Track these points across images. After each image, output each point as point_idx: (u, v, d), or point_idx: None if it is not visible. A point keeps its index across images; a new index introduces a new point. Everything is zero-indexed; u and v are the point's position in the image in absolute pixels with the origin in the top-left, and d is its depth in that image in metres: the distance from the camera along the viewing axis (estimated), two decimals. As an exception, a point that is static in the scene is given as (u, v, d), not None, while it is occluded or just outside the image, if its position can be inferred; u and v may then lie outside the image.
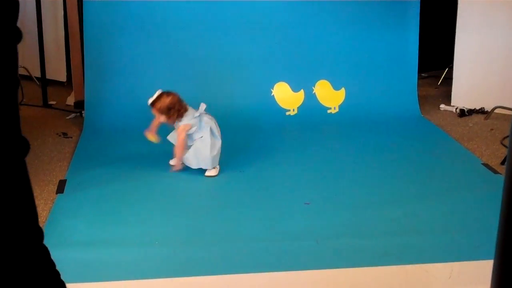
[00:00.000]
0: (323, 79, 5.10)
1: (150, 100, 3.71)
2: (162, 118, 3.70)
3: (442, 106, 5.44)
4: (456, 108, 5.32)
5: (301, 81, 5.07)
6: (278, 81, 5.04)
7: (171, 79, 4.75)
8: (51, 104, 5.33)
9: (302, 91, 5.06)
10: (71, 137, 4.55)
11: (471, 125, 5.02)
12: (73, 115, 5.04)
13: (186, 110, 3.74)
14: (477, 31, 5.25)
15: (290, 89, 5.04)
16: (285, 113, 5.00)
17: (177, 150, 3.78)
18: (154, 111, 3.72)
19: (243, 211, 3.33)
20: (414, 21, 5.22)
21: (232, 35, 4.99)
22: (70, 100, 5.35)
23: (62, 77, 5.81)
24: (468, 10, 5.25)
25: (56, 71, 5.75)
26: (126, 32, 4.89)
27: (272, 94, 5.01)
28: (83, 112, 4.90)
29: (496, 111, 5.13)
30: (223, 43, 4.98)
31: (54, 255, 2.78)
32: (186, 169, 3.80)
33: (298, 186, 3.70)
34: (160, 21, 4.92)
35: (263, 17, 5.03)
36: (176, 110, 3.69)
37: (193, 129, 3.74)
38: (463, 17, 5.28)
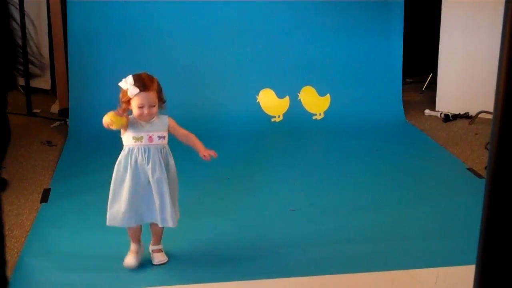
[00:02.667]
0: (308, 85, 5.10)
1: (132, 82, 2.64)
2: (154, 110, 2.68)
3: (427, 111, 5.46)
4: (441, 113, 5.34)
5: (287, 87, 5.07)
6: (263, 87, 5.03)
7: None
8: (36, 112, 5.29)
9: (287, 98, 5.06)
10: (56, 145, 4.53)
11: (455, 130, 5.04)
12: (57, 123, 5.02)
13: None
14: (461, 36, 5.28)
15: (275, 96, 5.04)
16: (270, 120, 5.00)
17: (195, 140, 2.85)
18: (147, 99, 2.65)
19: (228, 218, 3.32)
20: (398, 27, 5.25)
21: (217, 42, 4.98)
22: (55, 108, 5.32)
23: (47, 85, 5.78)
24: (452, 16, 5.28)
25: (40, 79, 5.71)
26: (111, 39, 4.87)
27: (257, 101, 5.01)
28: (67, 120, 4.88)
29: (481, 115, 5.15)
30: (207, 49, 4.96)
31: (38, 265, 2.77)
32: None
33: (284, 193, 3.69)
34: (144, 29, 4.90)
35: (248, 24, 5.03)
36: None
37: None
38: (447, 22, 5.30)
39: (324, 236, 3.12)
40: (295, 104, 5.06)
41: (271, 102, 5.03)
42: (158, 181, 2.69)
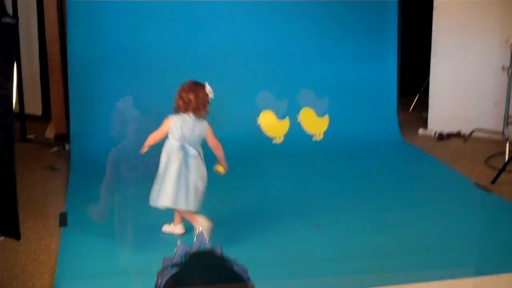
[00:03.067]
0: (307, 107, 5.12)
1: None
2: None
3: (421, 131, 5.53)
4: (435, 132, 5.42)
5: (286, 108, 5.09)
6: (264, 109, 5.05)
7: (155, 108, 4.61)
8: (30, 138, 5.17)
9: (287, 119, 5.07)
10: (60, 169, 4.44)
11: (452, 147, 5.12)
12: (55, 148, 4.92)
13: None
14: (452, 56, 5.40)
15: (275, 117, 5.05)
16: (271, 142, 5.01)
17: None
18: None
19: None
20: (392, 49, 5.32)
21: (218, 66, 4.95)
22: (49, 133, 5.23)
23: (37, 111, 5.68)
24: (443, 37, 5.40)
25: (31, 105, 5.59)
26: (110, 64, 4.80)
27: (258, 123, 5.01)
28: (66, 145, 4.81)
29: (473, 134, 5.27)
30: (209, 72, 4.88)
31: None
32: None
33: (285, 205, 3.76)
34: (143, 49, 4.83)
35: (248, 49, 5.05)
36: None
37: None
38: (438, 43, 5.42)
39: (335, 252, 3.17)
40: (295, 125, 5.08)
41: (271, 124, 5.04)
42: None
